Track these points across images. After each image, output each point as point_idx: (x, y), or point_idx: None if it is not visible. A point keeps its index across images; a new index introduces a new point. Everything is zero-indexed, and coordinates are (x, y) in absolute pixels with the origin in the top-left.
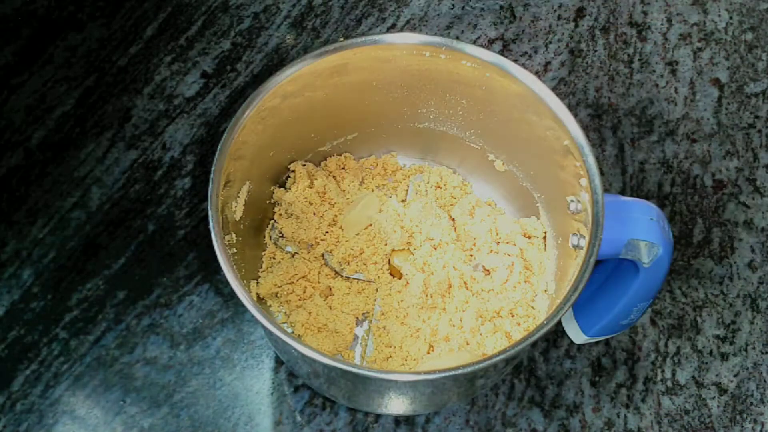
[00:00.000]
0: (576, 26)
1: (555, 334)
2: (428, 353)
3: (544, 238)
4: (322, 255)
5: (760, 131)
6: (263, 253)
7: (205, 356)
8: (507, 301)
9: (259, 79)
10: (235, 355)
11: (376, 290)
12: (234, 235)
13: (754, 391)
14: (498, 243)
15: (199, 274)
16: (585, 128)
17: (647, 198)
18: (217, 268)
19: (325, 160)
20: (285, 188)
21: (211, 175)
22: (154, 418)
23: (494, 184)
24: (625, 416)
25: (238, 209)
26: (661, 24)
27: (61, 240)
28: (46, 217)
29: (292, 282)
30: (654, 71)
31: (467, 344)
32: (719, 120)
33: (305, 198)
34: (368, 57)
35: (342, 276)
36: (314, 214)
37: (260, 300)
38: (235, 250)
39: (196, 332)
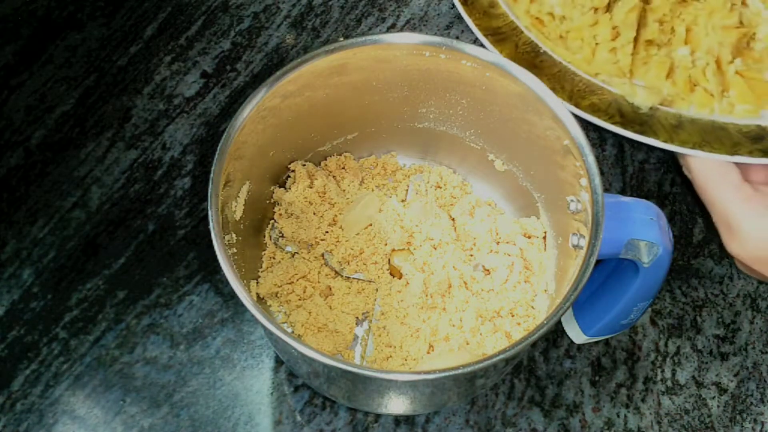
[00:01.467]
0: None
1: (555, 334)
2: (428, 353)
3: (544, 238)
4: (322, 255)
5: None
6: (263, 253)
7: (205, 356)
8: (507, 301)
9: (259, 79)
10: (235, 354)
11: (376, 290)
12: (234, 235)
13: (754, 390)
14: (498, 243)
15: (199, 274)
16: (585, 128)
17: (647, 198)
18: (217, 268)
19: (325, 160)
20: (285, 188)
21: (211, 175)
22: (154, 418)
23: (494, 184)
24: (625, 416)
25: (238, 209)
26: None
27: (61, 240)
28: (46, 217)
29: (292, 282)
30: None
31: (467, 344)
32: None
33: (305, 198)
34: (368, 57)
35: (342, 276)
36: (314, 214)
37: (260, 300)
38: (235, 250)
39: (196, 332)
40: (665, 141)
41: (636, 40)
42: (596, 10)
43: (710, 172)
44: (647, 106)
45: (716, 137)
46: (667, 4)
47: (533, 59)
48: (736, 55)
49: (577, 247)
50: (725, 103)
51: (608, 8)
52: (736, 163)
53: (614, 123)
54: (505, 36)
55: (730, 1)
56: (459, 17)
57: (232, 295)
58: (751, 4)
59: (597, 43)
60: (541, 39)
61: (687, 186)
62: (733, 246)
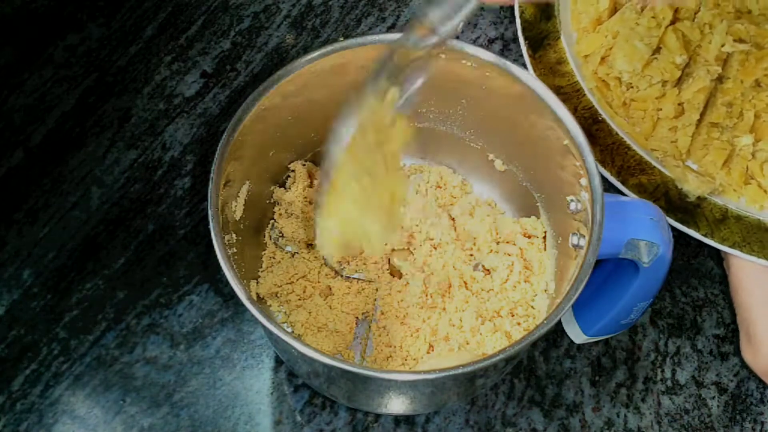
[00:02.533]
0: None
1: (555, 334)
2: (428, 353)
3: (544, 237)
4: (322, 255)
5: None
6: (263, 253)
7: (205, 356)
8: (507, 300)
9: (259, 78)
10: (235, 354)
11: (376, 290)
12: (234, 235)
13: (754, 390)
14: (498, 243)
15: (199, 274)
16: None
17: None
18: (217, 268)
19: None
20: (285, 188)
21: (211, 175)
22: (154, 418)
23: (494, 184)
24: (625, 416)
25: (238, 209)
26: None
27: (61, 240)
28: (46, 217)
29: (292, 282)
30: None
31: (467, 344)
32: None
33: (305, 198)
34: (368, 57)
35: (342, 276)
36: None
37: (260, 300)
38: (235, 250)
39: (196, 332)
40: (705, 235)
41: (700, 120)
42: (665, 83)
43: (747, 276)
44: (696, 195)
45: (758, 239)
46: (740, 87)
47: (590, 126)
48: None
49: (577, 247)
50: None
51: (678, 83)
52: None
53: None
54: (566, 96)
55: None
56: None
57: (232, 295)
58: None
59: (659, 118)
60: (602, 104)
61: None
62: (747, 355)
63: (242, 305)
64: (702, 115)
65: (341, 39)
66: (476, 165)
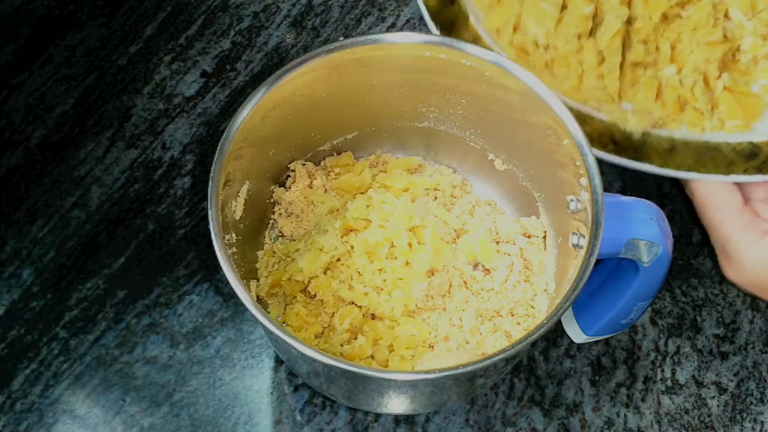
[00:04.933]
0: None
1: (555, 334)
2: (428, 353)
3: (544, 237)
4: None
5: None
6: (263, 253)
7: (205, 356)
8: (507, 300)
9: (259, 78)
10: (235, 354)
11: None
12: (234, 235)
13: (754, 390)
14: (498, 242)
15: (198, 274)
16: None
17: (647, 198)
18: (217, 268)
19: (325, 159)
20: (285, 188)
21: (211, 175)
22: (154, 418)
23: (494, 184)
24: (625, 415)
25: (237, 208)
26: None
27: (61, 239)
28: (46, 217)
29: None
30: None
31: (467, 344)
32: None
33: (305, 197)
34: (368, 57)
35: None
36: (314, 213)
37: (260, 299)
38: (235, 250)
39: (196, 332)
40: (660, 166)
41: (622, 63)
42: (580, 36)
43: (712, 195)
44: (639, 131)
45: (710, 158)
46: (650, 23)
47: None
48: (723, 69)
49: (577, 246)
50: (715, 120)
51: (592, 33)
52: (737, 184)
53: (608, 151)
54: None
55: (713, 15)
56: None
57: (232, 295)
58: (733, 16)
59: (583, 70)
60: (527, 69)
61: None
62: (729, 272)
63: (242, 305)
64: (623, 57)
65: (341, 39)
66: (476, 165)
